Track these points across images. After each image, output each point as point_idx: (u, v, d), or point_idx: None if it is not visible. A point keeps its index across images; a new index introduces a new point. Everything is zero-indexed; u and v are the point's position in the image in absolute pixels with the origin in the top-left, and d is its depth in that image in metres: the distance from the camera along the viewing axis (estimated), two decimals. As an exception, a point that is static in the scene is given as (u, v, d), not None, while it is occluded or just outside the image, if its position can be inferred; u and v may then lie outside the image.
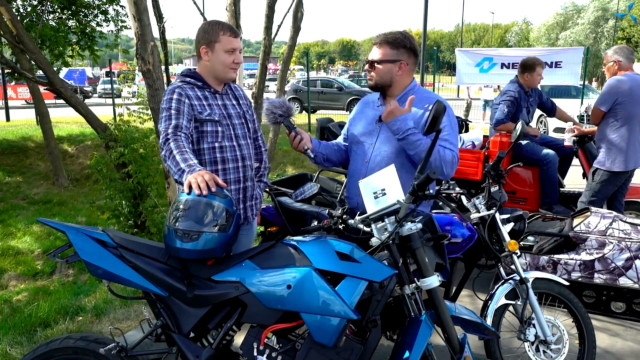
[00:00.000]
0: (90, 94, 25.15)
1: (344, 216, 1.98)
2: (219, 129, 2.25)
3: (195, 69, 2.32)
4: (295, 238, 1.95)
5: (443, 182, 2.84)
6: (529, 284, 2.50)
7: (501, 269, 2.64)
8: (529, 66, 4.30)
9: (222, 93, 2.34)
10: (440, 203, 3.04)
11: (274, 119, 2.22)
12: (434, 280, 1.83)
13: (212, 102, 2.27)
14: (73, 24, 9.77)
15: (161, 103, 2.22)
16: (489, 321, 2.50)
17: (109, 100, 16.60)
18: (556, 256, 3.27)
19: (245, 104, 2.44)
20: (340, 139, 2.54)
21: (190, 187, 1.81)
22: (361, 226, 1.90)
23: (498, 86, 12.44)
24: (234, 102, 2.38)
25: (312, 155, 2.34)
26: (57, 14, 9.53)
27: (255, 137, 2.50)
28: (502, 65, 9.08)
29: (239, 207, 2.36)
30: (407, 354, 1.75)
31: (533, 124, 4.68)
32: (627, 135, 3.78)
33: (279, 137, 6.72)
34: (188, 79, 2.27)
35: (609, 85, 3.80)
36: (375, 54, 2.26)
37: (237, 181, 2.32)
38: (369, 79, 2.30)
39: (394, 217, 1.83)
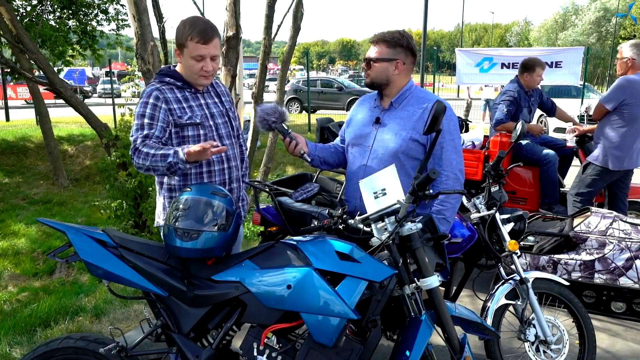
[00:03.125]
0: (90, 94, 25.18)
1: (344, 216, 1.98)
2: (201, 131, 2.16)
3: (175, 67, 2.21)
4: (295, 238, 1.94)
5: None
6: (529, 284, 2.50)
7: (501, 269, 2.64)
8: (529, 66, 4.30)
9: (203, 92, 2.24)
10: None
11: (267, 126, 2.17)
12: (434, 280, 1.82)
13: (193, 103, 2.17)
14: (73, 23, 9.78)
15: (137, 106, 2.12)
16: (489, 321, 2.50)
17: (109, 100, 16.61)
18: (556, 256, 3.27)
19: (227, 101, 2.35)
20: (337, 141, 2.53)
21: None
22: (361, 226, 1.90)
23: (502, 86, 12.42)
24: (216, 100, 2.28)
25: (309, 159, 2.32)
26: (57, 13, 9.54)
27: (238, 135, 2.40)
28: (502, 65, 9.08)
29: None
30: (407, 354, 1.75)
31: (534, 123, 4.67)
32: (629, 136, 3.73)
33: (278, 137, 6.72)
34: (167, 79, 2.14)
35: (619, 84, 3.70)
36: (372, 52, 2.24)
37: (222, 183, 2.26)
38: (365, 77, 2.29)
39: (394, 217, 1.82)
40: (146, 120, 2.04)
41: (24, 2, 9.17)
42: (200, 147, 1.83)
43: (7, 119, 14.77)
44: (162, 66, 2.24)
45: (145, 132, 2.03)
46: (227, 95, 2.38)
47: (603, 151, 3.82)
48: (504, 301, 2.54)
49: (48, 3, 9.04)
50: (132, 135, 2.06)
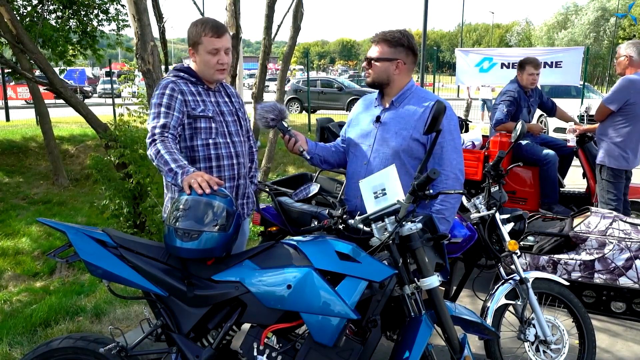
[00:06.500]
0: (90, 94, 25.15)
1: (344, 216, 1.98)
2: (213, 125, 2.24)
3: (189, 65, 2.31)
4: (295, 238, 1.95)
5: None
6: (529, 284, 2.50)
7: (501, 269, 2.64)
8: (521, 64, 4.36)
9: (215, 90, 2.33)
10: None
11: (266, 124, 2.19)
12: (434, 280, 1.82)
13: (206, 99, 2.26)
14: (74, 23, 9.78)
15: (152, 97, 2.20)
16: (489, 321, 2.50)
17: (109, 100, 16.61)
18: (556, 256, 3.27)
19: (237, 102, 2.43)
20: (338, 140, 2.53)
21: (190, 188, 1.82)
22: (361, 226, 1.90)
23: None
24: (226, 100, 2.37)
25: (309, 157, 2.33)
26: (59, 13, 9.54)
27: (248, 137, 2.49)
28: (502, 65, 9.06)
29: None
30: (407, 354, 1.75)
31: (533, 122, 4.68)
32: (633, 134, 3.73)
33: (278, 137, 6.72)
34: (182, 74, 2.24)
35: (622, 85, 3.72)
36: (373, 51, 2.25)
37: (231, 179, 2.31)
38: (366, 76, 2.29)
39: (394, 217, 1.83)
40: (163, 109, 2.11)
41: (24, 2, 9.17)
42: (200, 176, 1.86)
43: (7, 119, 14.76)
44: (177, 64, 2.35)
45: (162, 120, 2.09)
46: (236, 97, 2.45)
47: (608, 151, 3.82)
48: (503, 301, 2.54)
49: (48, 3, 9.04)
50: (149, 123, 2.11)
